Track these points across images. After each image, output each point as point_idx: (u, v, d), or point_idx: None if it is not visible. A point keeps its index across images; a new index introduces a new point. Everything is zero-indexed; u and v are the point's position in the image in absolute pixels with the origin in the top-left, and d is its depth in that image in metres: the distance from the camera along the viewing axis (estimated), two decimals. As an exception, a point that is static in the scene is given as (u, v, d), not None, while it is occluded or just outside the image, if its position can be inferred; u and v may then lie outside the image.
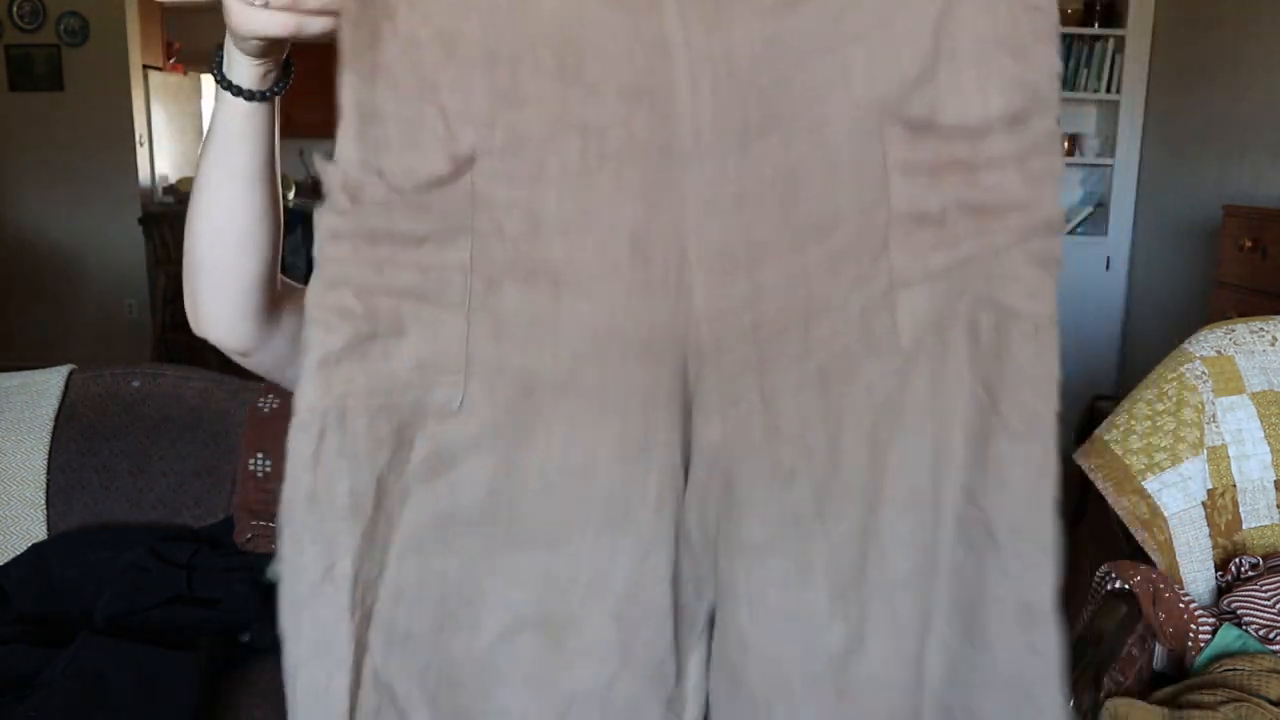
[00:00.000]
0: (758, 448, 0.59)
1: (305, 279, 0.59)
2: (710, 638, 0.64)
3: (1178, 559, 1.57)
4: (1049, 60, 0.55)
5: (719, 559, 0.61)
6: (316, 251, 0.56)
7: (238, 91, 0.64)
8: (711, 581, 0.62)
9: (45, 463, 1.72)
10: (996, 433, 0.57)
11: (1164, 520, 1.57)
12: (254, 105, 0.65)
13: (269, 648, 1.57)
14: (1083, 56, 3.99)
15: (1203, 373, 1.65)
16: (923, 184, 0.56)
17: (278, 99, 0.67)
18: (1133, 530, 1.57)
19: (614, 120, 0.55)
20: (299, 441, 0.57)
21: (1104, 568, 1.53)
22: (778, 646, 0.61)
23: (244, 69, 0.63)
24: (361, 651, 0.59)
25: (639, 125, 0.55)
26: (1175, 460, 1.59)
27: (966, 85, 0.55)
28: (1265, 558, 1.59)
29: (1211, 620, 1.46)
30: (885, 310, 0.57)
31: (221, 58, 0.64)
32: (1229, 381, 1.65)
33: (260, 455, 1.67)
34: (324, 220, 0.56)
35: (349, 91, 0.55)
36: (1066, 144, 4.11)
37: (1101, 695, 1.35)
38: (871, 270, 0.57)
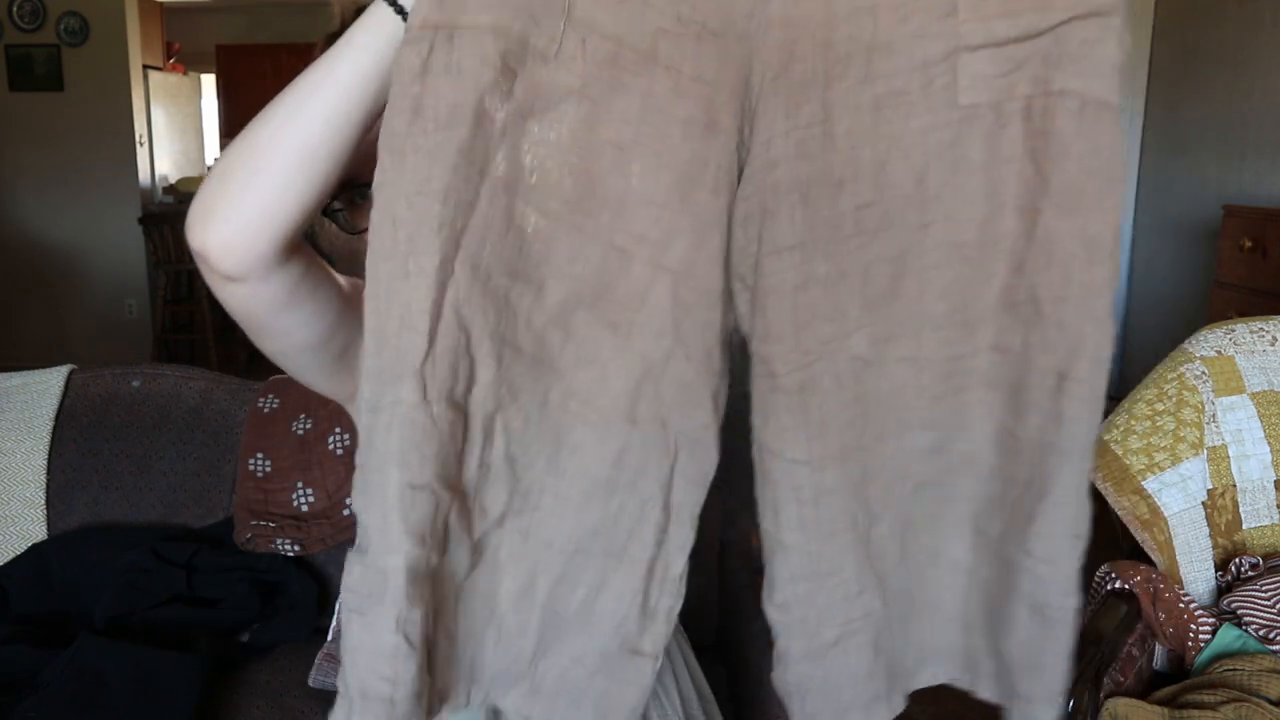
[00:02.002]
0: (812, 153, 0.61)
1: None
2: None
3: (1178, 559, 1.57)
4: None
5: (761, 258, 0.63)
6: None
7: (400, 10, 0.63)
8: (752, 280, 0.64)
9: (45, 463, 1.72)
10: (1045, 208, 0.60)
11: (1164, 520, 1.57)
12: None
13: (269, 648, 1.57)
14: (1083, 56, 3.98)
15: (1203, 373, 1.65)
16: None
17: None
18: (1133, 530, 1.57)
19: None
20: (407, 55, 0.58)
21: (1104, 568, 1.53)
22: (809, 340, 0.63)
23: None
24: (446, 273, 0.60)
25: None
26: (1175, 460, 1.59)
27: None
28: (1265, 558, 1.59)
29: (1211, 620, 1.46)
30: (947, 69, 0.60)
31: None
32: (1229, 381, 1.65)
33: (260, 455, 1.66)
34: None
35: None
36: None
37: (1102, 695, 1.35)
38: (938, 29, 0.59)
